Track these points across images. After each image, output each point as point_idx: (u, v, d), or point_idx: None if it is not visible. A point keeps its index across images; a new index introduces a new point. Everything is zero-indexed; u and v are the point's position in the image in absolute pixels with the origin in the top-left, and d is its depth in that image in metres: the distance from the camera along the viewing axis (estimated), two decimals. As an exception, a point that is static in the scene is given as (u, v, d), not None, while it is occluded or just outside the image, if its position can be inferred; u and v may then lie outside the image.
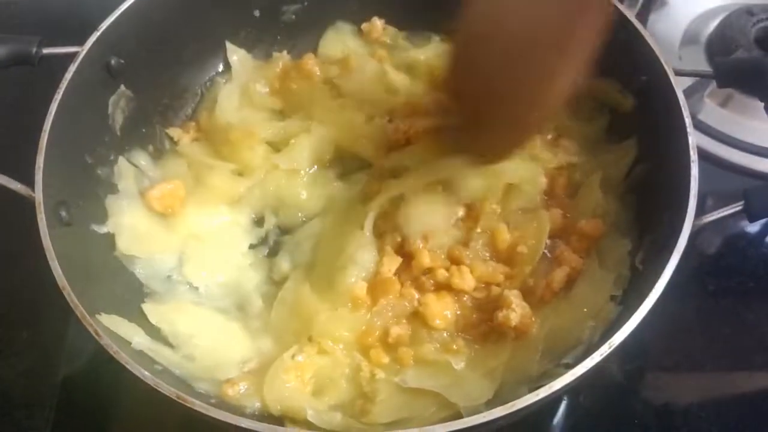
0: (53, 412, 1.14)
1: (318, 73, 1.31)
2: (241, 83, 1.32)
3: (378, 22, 1.36)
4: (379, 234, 1.13)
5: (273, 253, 1.20)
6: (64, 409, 1.15)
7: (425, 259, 1.08)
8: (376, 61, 1.33)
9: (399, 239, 1.12)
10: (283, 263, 1.16)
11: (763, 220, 1.28)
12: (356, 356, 1.03)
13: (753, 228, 1.31)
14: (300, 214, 1.22)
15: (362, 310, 1.07)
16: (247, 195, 1.21)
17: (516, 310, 1.00)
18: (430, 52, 1.34)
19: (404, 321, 1.06)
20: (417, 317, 1.07)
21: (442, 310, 1.06)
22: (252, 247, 1.20)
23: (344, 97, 1.29)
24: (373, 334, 1.05)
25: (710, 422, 1.14)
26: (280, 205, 1.22)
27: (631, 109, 1.16)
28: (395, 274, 1.10)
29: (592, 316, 1.01)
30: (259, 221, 1.22)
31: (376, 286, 1.08)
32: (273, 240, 1.21)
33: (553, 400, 0.94)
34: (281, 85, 1.31)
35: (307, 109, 1.28)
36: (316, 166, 1.24)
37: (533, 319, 1.02)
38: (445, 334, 1.05)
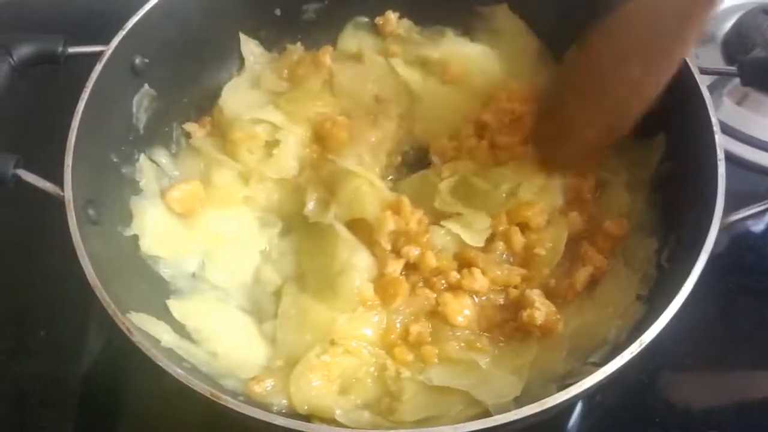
0: (75, 410, 1.15)
1: (329, 64, 1.31)
2: (253, 75, 1.32)
3: (392, 16, 1.36)
4: (367, 240, 1.12)
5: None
6: (86, 406, 1.16)
7: (431, 261, 1.08)
8: (383, 59, 1.33)
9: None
10: (272, 275, 1.15)
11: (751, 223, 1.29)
12: (381, 355, 1.04)
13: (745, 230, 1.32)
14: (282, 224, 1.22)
15: (376, 310, 1.07)
16: (253, 197, 1.21)
17: (540, 309, 1.01)
18: (444, 49, 1.33)
19: (423, 319, 1.07)
20: (437, 316, 1.07)
21: (462, 309, 1.06)
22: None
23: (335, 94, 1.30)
24: (395, 332, 1.06)
25: (731, 422, 1.14)
26: (278, 210, 1.23)
27: (656, 106, 1.15)
28: (408, 274, 1.10)
29: (618, 316, 1.01)
30: (266, 224, 1.22)
31: (383, 286, 1.08)
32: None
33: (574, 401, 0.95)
34: (290, 72, 1.32)
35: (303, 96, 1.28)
36: None
37: (558, 317, 1.02)
38: (468, 333, 1.06)
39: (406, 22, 1.37)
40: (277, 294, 1.12)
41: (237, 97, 1.28)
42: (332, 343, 1.03)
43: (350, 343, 1.03)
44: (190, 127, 1.26)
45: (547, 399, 0.83)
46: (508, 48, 1.32)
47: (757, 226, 1.32)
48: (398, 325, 1.06)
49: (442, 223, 1.12)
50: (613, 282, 1.06)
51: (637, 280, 1.05)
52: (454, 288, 1.08)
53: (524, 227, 1.11)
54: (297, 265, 1.15)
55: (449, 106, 1.28)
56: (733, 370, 1.20)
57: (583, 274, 1.06)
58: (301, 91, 1.28)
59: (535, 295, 1.03)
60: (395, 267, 1.08)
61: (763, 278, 1.27)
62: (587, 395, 0.99)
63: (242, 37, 1.32)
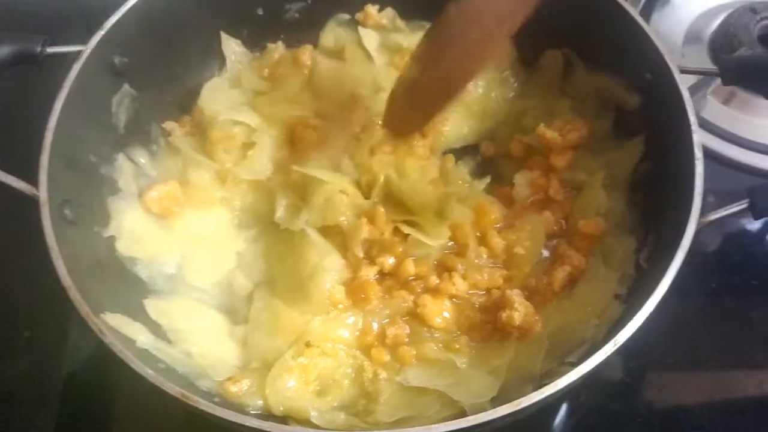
0: (57, 410, 1.15)
1: (309, 64, 1.31)
2: (234, 74, 1.32)
3: (371, 10, 1.36)
4: (339, 246, 1.12)
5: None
6: (67, 407, 1.15)
7: (409, 268, 1.08)
8: (363, 53, 1.32)
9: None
10: (244, 280, 1.14)
11: (765, 218, 1.28)
12: (358, 356, 1.04)
13: (755, 226, 1.31)
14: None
15: (351, 312, 1.07)
16: (229, 199, 1.21)
17: (519, 309, 1.00)
18: (417, 39, 1.31)
19: (401, 321, 1.06)
20: (415, 317, 1.07)
21: (441, 311, 1.06)
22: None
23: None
24: (371, 334, 1.05)
25: (713, 421, 1.14)
26: (253, 212, 1.22)
27: (636, 106, 1.16)
28: (383, 277, 1.10)
29: (597, 315, 1.01)
30: (242, 226, 1.22)
31: (354, 290, 1.08)
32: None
33: (555, 400, 0.95)
34: (271, 72, 1.32)
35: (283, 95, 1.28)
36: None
37: (536, 318, 1.02)
38: (446, 334, 1.05)
39: (390, 12, 1.37)
40: (250, 298, 1.11)
41: (217, 96, 1.27)
42: (308, 345, 1.03)
43: (326, 344, 1.03)
44: (169, 125, 1.25)
45: (521, 399, 0.83)
46: None
47: (742, 226, 1.31)
48: (375, 327, 1.06)
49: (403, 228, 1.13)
50: (592, 281, 1.06)
51: (616, 279, 1.05)
52: (433, 291, 1.07)
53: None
54: (268, 269, 1.14)
55: None
56: (716, 369, 1.19)
57: (560, 274, 1.06)
58: (280, 92, 1.28)
59: (515, 296, 1.03)
60: (368, 272, 1.08)
61: (747, 278, 1.27)
62: (564, 395, 0.98)
63: (223, 36, 1.32)
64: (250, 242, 1.18)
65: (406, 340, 1.04)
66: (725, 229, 1.31)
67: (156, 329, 1.03)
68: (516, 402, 0.82)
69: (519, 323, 1.00)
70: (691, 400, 1.16)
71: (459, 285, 1.06)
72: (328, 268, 1.07)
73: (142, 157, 1.21)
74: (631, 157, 1.15)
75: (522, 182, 1.18)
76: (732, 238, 1.30)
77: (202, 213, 1.19)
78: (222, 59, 1.33)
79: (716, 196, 1.21)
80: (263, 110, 1.25)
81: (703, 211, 0.96)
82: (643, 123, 1.13)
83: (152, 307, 1.06)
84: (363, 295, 1.06)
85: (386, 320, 1.06)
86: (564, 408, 1.16)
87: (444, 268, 1.10)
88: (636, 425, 1.13)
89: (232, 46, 1.33)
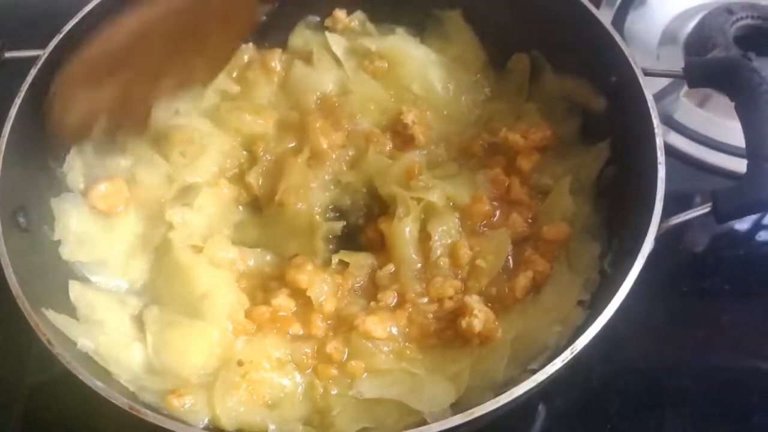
0: (21, 419, 1.13)
1: (278, 69, 1.30)
2: None
3: (340, 14, 1.35)
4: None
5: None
6: (31, 415, 1.14)
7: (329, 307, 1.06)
8: (331, 56, 1.31)
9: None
10: (133, 300, 1.10)
11: (734, 221, 1.26)
12: (304, 373, 1.02)
13: (727, 229, 1.29)
14: None
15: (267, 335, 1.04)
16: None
17: (479, 316, 0.99)
18: (386, 44, 1.31)
19: (339, 336, 1.04)
20: (355, 331, 1.03)
21: (384, 326, 1.03)
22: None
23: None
24: (306, 353, 1.03)
25: (685, 424, 1.12)
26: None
27: (603, 110, 1.15)
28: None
29: (560, 321, 1.00)
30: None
31: (253, 317, 1.05)
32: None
33: (524, 406, 0.94)
34: (240, 75, 1.30)
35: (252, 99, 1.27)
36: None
37: (496, 324, 1.00)
38: (395, 343, 1.03)
39: (360, 15, 1.35)
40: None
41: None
42: (240, 364, 0.99)
43: (261, 363, 1.00)
44: None
45: (476, 408, 0.82)
46: (454, 55, 1.30)
47: (714, 230, 1.30)
48: (306, 349, 1.03)
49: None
50: (556, 287, 1.04)
51: (581, 284, 1.03)
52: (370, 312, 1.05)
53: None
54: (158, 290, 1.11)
55: (373, 100, 1.27)
56: (687, 373, 1.17)
57: (523, 281, 1.04)
58: (246, 101, 1.27)
59: (474, 302, 1.01)
60: (288, 305, 1.06)
61: (719, 282, 1.25)
62: (526, 401, 0.96)
63: None
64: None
65: (347, 355, 1.01)
66: (697, 232, 1.30)
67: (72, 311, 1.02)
68: (470, 411, 0.81)
69: (479, 330, 0.99)
70: (663, 404, 1.14)
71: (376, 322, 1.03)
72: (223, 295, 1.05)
73: (90, 155, 1.17)
74: (596, 161, 1.13)
75: (483, 180, 1.15)
76: (704, 241, 1.29)
77: (145, 213, 1.16)
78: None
79: (689, 200, 1.20)
80: (224, 116, 1.24)
81: (671, 215, 0.96)
82: (609, 127, 1.12)
83: (75, 288, 1.04)
84: (259, 324, 1.04)
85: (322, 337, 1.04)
86: (541, 413, 1.14)
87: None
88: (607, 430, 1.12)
89: None
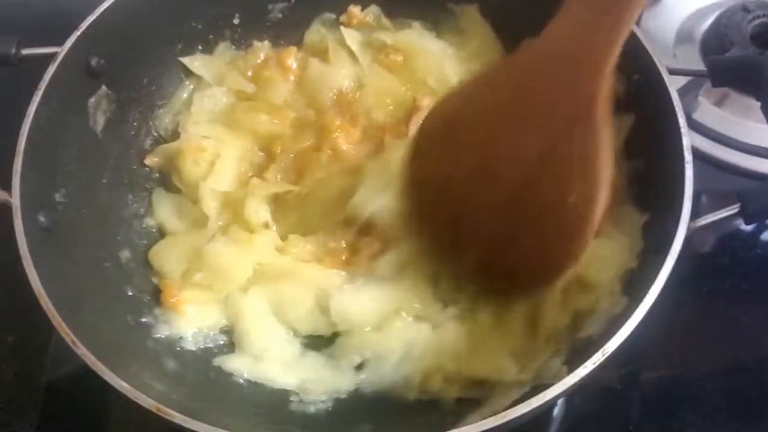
0: (38, 417, 1.13)
1: (294, 67, 1.29)
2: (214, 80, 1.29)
3: (354, 10, 1.34)
4: None
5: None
6: (48, 413, 1.14)
7: None
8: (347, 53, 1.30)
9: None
10: None
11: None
12: None
13: (747, 228, 1.29)
14: None
15: None
16: None
17: None
18: (402, 37, 1.30)
19: None
20: None
21: None
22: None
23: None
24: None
25: (707, 425, 1.12)
26: None
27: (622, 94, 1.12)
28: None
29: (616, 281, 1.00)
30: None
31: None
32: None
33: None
34: (255, 73, 1.29)
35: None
36: None
37: None
38: None
39: (375, 10, 1.34)
40: None
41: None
42: None
43: None
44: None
45: (507, 411, 0.80)
46: (470, 50, 1.29)
47: (734, 229, 1.29)
48: None
49: None
50: (609, 240, 1.03)
51: (629, 246, 1.02)
52: None
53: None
54: None
55: (389, 93, 1.26)
56: (707, 373, 1.17)
57: None
58: (263, 103, 1.26)
59: None
60: None
61: (738, 281, 1.25)
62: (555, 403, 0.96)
63: (185, 60, 1.28)
64: None
65: None
66: (716, 232, 1.30)
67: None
68: (502, 414, 0.80)
69: None
70: (684, 404, 1.14)
71: None
72: None
73: None
74: (620, 131, 1.11)
75: None
76: (722, 241, 1.28)
77: None
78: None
79: (708, 199, 1.19)
80: (239, 117, 1.23)
81: (694, 215, 0.94)
82: (632, 124, 1.11)
83: None
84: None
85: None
86: (558, 414, 1.14)
87: None
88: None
89: (196, 62, 1.29)
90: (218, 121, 1.24)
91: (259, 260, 1.09)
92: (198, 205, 1.16)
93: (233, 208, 1.15)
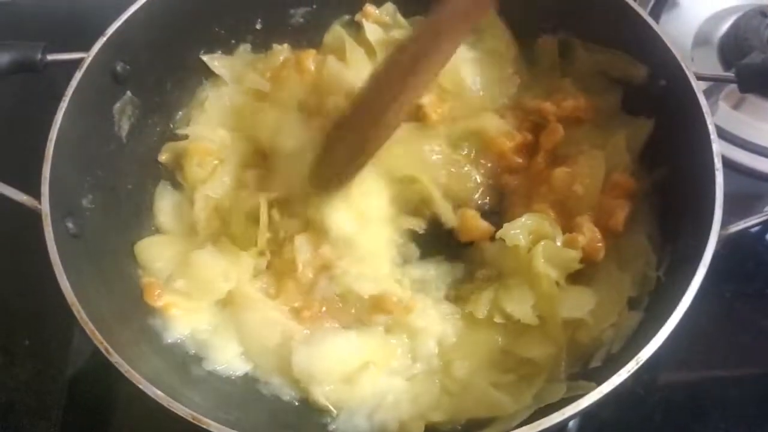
0: (60, 417, 1.14)
1: (312, 69, 1.28)
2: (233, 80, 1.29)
3: (370, 9, 1.33)
4: None
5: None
6: (70, 414, 1.14)
7: None
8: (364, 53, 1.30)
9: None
10: None
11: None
12: None
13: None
14: None
15: None
16: None
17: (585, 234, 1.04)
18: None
19: None
20: None
21: None
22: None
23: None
24: None
25: (730, 430, 1.12)
26: None
27: (644, 79, 1.13)
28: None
29: (612, 317, 1.01)
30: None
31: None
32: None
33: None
34: (274, 75, 1.29)
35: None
36: None
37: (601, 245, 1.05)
38: None
39: (390, 7, 1.34)
40: None
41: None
42: None
43: None
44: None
45: (542, 420, 0.81)
46: (487, 49, 1.28)
47: (756, 233, 1.29)
48: None
49: None
50: (605, 282, 1.05)
51: (629, 281, 1.03)
52: None
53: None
54: None
55: None
56: (731, 379, 1.18)
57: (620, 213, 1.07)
58: (273, 102, 1.26)
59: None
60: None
61: (761, 286, 1.25)
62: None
63: (206, 58, 1.28)
64: None
65: None
66: (737, 238, 1.28)
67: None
68: (537, 423, 0.80)
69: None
70: (706, 411, 1.14)
71: None
72: None
73: None
74: (640, 134, 1.13)
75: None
76: (746, 246, 1.28)
77: None
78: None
79: (730, 203, 1.18)
80: (247, 117, 1.24)
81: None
82: (657, 130, 1.11)
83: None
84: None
85: None
86: (576, 420, 1.14)
87: None
88: (651, 437, 1.11)
89: (216, 62, 1.29)
90: (227, 122, 1.25)
91: (237, 282, 1.09)
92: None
93: (223, 218, 1.15)
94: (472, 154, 1.22)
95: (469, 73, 1.26)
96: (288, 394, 1.06)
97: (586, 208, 1.10)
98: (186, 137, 1.23)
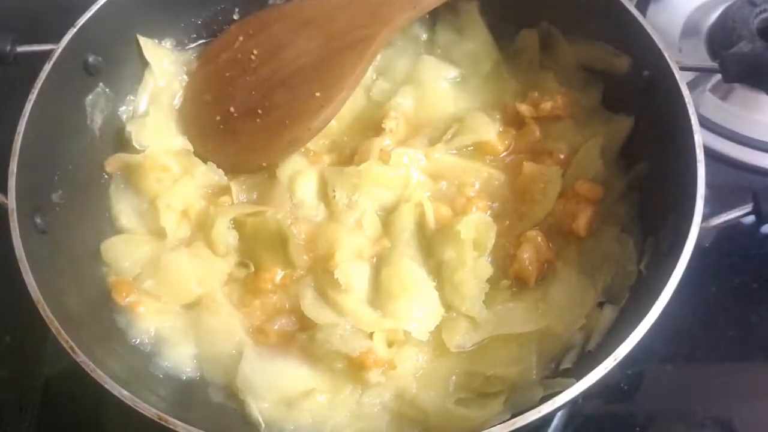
0: (36, 415, 1.13)
1: None
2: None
3: None
4: None
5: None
6: (47, 411, 1.14)
7: None
8: None
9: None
10: None
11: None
12: None
13: (755, 227, 1.26)
14: None
15: None
16: None
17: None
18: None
19: None
20: None
21: None
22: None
23: None
24: None
25: (714, 427, 1.12)
26: None
27: (626, 70, 1.12)
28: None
29: (579, 320, 1.00)
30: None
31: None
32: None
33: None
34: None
35: None
36: None
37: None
38: None
39: None
40: None
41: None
42: None
43: None
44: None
45: (516, 419, 0.80)
46: (466, 52, 1.25)
47: (742, 227, 1.27)
48: None
49: None
50: (565, 285, 1.03)
51: (590, 285, 1.02)
52: None
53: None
54: None
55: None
56: (715, 374, 1.17)
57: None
58: None
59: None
60: None
61: (747, 280, 1.23)
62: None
63: (142, 41, 1.20)
64: None
65: None
66: (724, 231, 1.27)
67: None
68: (511, 422, 0.79)
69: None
70: (691, 406, 1.13)
71: None
72: None
73: None
74: (619, 132, 1.12)
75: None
76: (731, 240, 1.26)
77: None
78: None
79: (716, 196, 1.17)
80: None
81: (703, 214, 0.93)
82: (640, 121, 1.10)
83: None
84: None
85: None
86: (561, 415, 1.13)
87: None
88: (634, 433, 1.11)
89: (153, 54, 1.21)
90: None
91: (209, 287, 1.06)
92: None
93: (196, 223, 1.12)
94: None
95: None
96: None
97: (542, 213, 1.09)
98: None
